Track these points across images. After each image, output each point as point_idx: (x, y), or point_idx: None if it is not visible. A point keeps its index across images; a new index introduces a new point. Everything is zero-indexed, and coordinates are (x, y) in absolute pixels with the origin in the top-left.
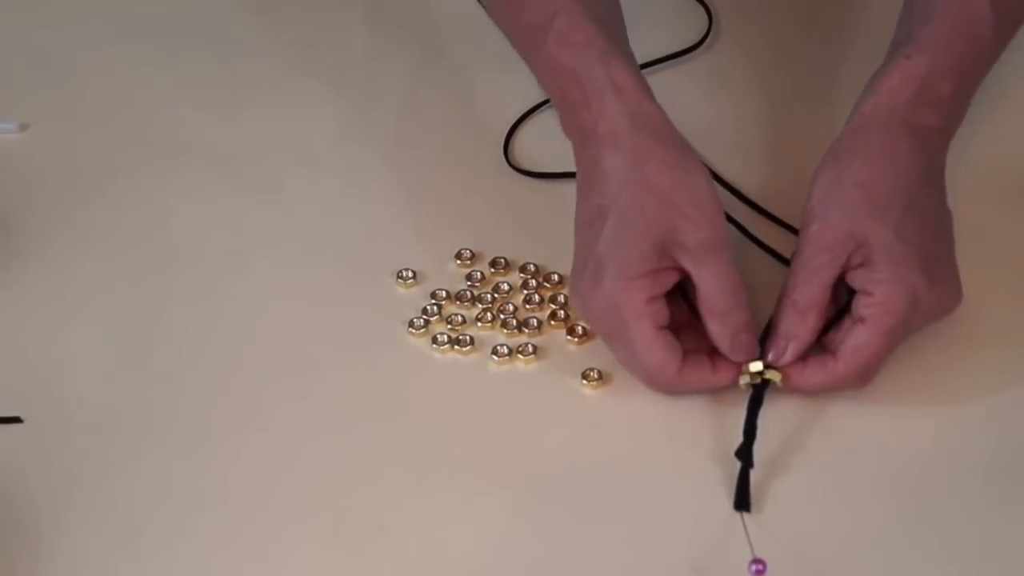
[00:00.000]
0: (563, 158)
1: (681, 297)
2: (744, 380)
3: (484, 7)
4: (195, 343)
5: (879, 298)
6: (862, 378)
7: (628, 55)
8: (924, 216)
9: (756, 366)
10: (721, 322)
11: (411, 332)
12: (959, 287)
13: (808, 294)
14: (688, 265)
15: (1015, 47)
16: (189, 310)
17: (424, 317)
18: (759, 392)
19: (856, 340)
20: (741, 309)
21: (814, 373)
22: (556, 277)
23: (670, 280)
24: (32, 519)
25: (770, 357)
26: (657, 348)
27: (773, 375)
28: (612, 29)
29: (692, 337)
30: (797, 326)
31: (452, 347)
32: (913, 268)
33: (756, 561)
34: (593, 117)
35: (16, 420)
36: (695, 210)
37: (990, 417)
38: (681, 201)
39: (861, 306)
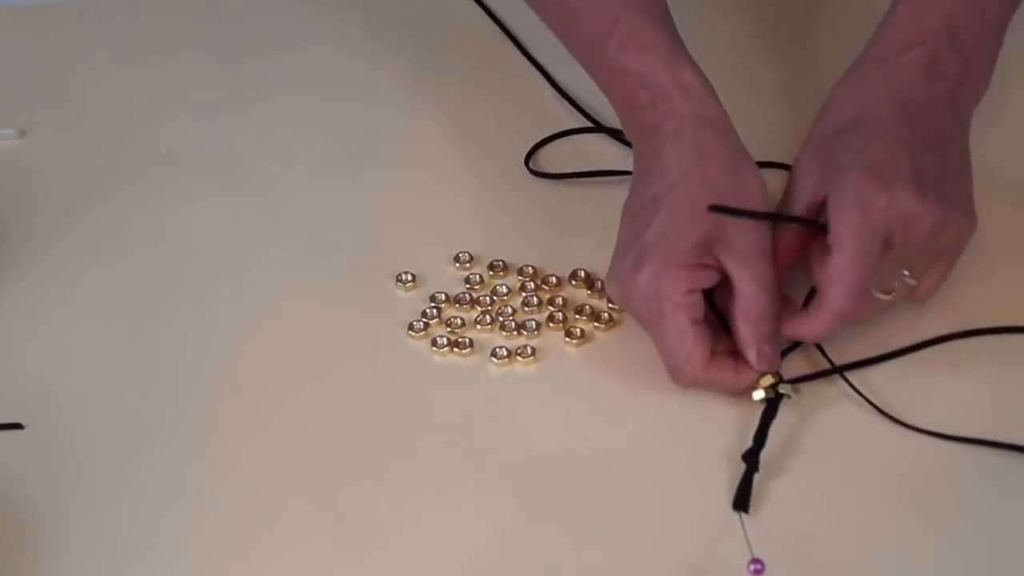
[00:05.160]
0: (569, 162)
1: (709, 304)
2: (758, 395)
3: (537, 14)
4: (195, 347)
5: (831, 222)
6: (855, 306)
7: (687, 53)
8: (907, 129)
9: (767, 379)
10: (752, 328)
11: (411, 335)
12: (963, 214)
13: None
14: (731, 266)
15: (1017, 47)
16: (189, 315)
17: (423, 320)
18: (774, 405)
19: (828, 269)
20: (773, 319)
21: (807, 322)
22: (554, 279)
23: (710, 279)
24: (33, 525)
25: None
26: (689, 339)
27: (786, 389)
28: (671, 30)
29: (717, 342)
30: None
31: (451, 349)
32: (875, 176)
33: (755, 561)
34: (659, 116)
35: (17, 426)
36: None
37: (988, 421)
38: (735, 203)
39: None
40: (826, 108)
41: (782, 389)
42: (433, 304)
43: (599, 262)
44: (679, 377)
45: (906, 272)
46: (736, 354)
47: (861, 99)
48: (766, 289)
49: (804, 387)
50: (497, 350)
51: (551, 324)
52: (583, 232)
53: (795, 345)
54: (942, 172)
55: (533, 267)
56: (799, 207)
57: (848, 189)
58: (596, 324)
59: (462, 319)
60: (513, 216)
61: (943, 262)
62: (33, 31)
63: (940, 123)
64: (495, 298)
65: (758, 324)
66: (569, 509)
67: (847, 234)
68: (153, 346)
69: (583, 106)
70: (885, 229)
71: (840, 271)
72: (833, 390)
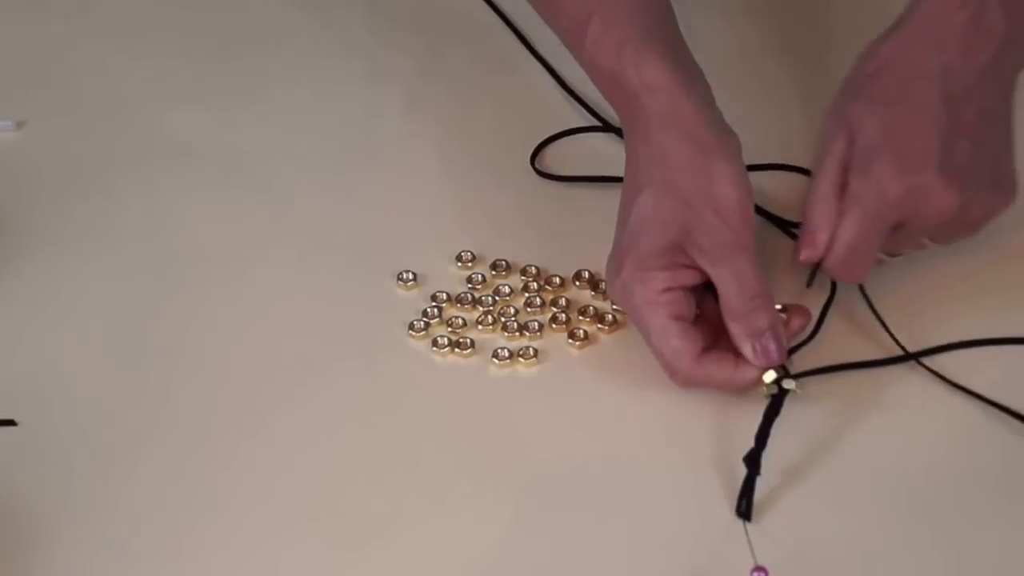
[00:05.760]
0: (575, 161)
1: (715, 302)
2: (762, 391)
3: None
4: (192, 344)
5: (850, 188)
6: (846, 271)
7: (667, 45)
8: (944, 112)
9: (771, 375)
10: (741, 324)
11: (411, 335)
12: (993, 192)
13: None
14: (706, 267)
15: None
16: (186, 311)
17: (424, 319)
18: (777, 401)
19: (837, 231)
20: (762, 312)
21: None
22: (557, 280)
23: (689, 278)
24: (27, 522)
25: (801, 255)
26: (672, 335)
27: (791, 384)
28: (651, 15)
29: (727, 341)
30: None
31: (452, 350)
32: (891, 162)
33: (758, 568)
34: (631, 117)
35: (10, 423)
36: (712, 214)
37: (993, 425)
38: (700, 203)
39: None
40: (869, 63)
41: (786, 384)
42: (434, 303)
43: (603, 263)
44: (674, 375)
45: (925, 240)
46: (738, 351)
47: (907, 66)
48: (747, 284)
49: (811, 389)
50: (499, 351)
51: (554, 325)
52: (587, 233)
53: (803, 343)
54: (974, 155)
55: (536, 267)
56: (829, 174)
57: (872, 177)
58: (599, 326)
59: (463, 319)
60: (516, 216)
61: (968, 229)
62: (31, 22)
63: (981, 99)
64: (497, 298)
65: (746, 319)
66: (569, 513)
67: (850, 224)
68: (149, 343)
69: (590, 104)
70: (899, 217)
71: (839, 241)
72: (838, 392)
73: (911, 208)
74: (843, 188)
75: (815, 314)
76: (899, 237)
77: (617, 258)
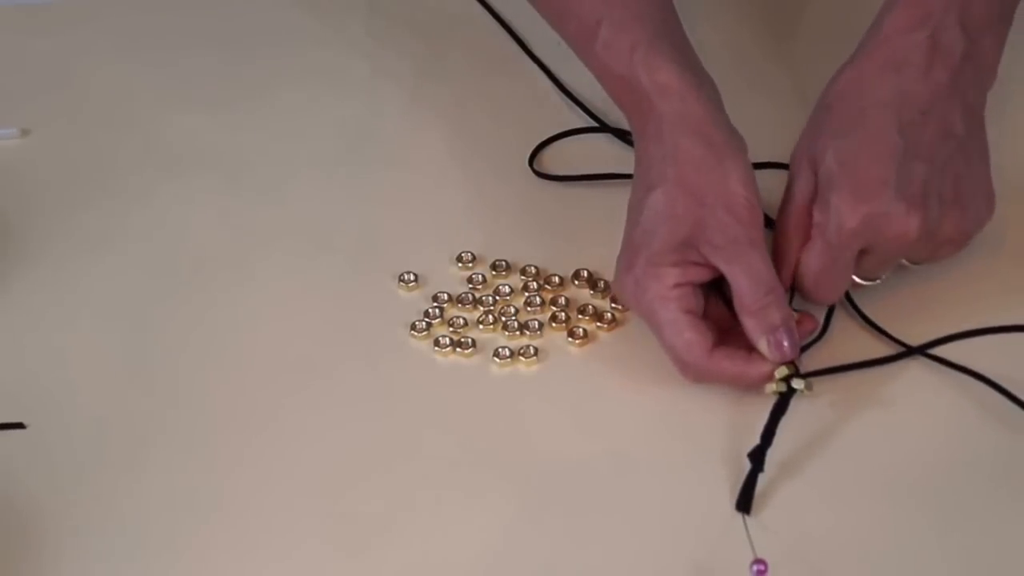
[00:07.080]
0: (573, 162)
1: (724, 303)
2: (771, 388)
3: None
4: (197, 346)
5: (813, 219)
6: (816, 296)
7: (676, 48)
8: (899, 137)
9: (783, 371)
10: (755, 319)
11: (413, 335)
12: (961, 210)
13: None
14: (719, 263)
15: (1017, 48)
16: (191, 314)
17: (426, 320)
18: (785, 399)
19: (801, 260)
20: (775, 307)
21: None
22: (557, 279)
23: (701, 274)
24: (35, 525)
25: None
26: (684, 329)
27: (800, 384)
28: (659, 19)
29: (738, 341)
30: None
31: (454, 350)
32: (847, 192)
33: (757, 561)
34: (643, 119)
35: (18, 426)
36: (725, 211)
37: (991, 418)
38: (712, 201)
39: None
40: (827, 96)
41: (795, 384)
42: (435, 304)
43: (602, 262)
44: (685, 370)
45: (904, 261)
46: (751, 347)
47: (862, 95)
48: (760, 280)
49: (813, 384)
50: (500, 350)
51: (554, 324)
52: (586, 232)
53: (812, 342)
54: (935, 176)
55: (536, 267)
56: (794, 208)
57: (831, 210)
58: (599, 324)
59: (464, 319)
60: (515, 216)
61: (949, 247)
62: (35, 30)
63: (941, 120)
64: (498, 298)
65: (760, 314)
66: (572, 509)
67: (815, 255)
68: (155, 346)
69: (587, 105)
70: (861, 244)
71: (804, 269)
72: (837, 387)
73: (872, 235)
74: (809, 221)
75: (821, 312)
76: (870, 262)
77: (628, 254)
